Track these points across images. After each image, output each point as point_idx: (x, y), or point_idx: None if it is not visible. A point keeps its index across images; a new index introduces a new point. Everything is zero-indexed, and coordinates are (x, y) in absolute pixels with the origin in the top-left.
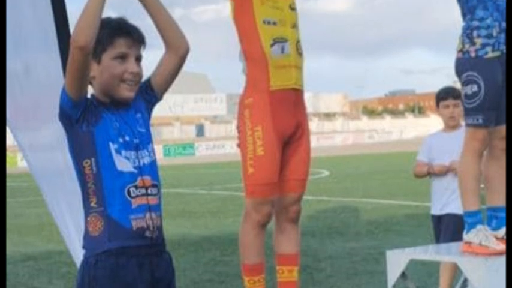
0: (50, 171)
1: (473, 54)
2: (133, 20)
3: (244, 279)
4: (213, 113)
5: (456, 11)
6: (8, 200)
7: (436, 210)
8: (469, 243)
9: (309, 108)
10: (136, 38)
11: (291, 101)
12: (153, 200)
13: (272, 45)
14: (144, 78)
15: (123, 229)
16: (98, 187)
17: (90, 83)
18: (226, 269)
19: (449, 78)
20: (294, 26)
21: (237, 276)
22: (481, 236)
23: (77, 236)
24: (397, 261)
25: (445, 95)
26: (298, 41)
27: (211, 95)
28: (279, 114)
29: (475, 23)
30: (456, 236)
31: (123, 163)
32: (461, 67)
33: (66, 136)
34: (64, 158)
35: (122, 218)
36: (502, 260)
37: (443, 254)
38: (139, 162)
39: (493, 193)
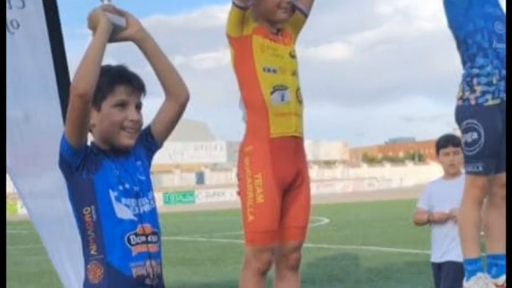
0: (50, 218)
1: (473, 102)
2: (134, 68)
3: None
4: (213, 161)
5: (456, 58)
6: (8, 247)
7: (436, 257)
8: None
9: (309, 155)
10: (136, 85)
11: (291, 149)
12: (153, 248)
13: (272, 92)
14: (144, 125)
15: (123, 277)
16: (98, 234)
17: (90, 131)
18: None
19: (450, 126)
20: (294, 73)
21: None
22: (481, 283)
23: (77, 283)
24: None
25: (445, 142)
26: (298, 89)
27: (212, 142)
28: (279, 161)
29: (475, 71)
30: (456, 284)
31: (123, 211)
32: (461, 115)
33: (66, 183)
34: (64, 206)
35: (122, 266)
36: None
37: None
38: (139, 209)
39: (493, 241)
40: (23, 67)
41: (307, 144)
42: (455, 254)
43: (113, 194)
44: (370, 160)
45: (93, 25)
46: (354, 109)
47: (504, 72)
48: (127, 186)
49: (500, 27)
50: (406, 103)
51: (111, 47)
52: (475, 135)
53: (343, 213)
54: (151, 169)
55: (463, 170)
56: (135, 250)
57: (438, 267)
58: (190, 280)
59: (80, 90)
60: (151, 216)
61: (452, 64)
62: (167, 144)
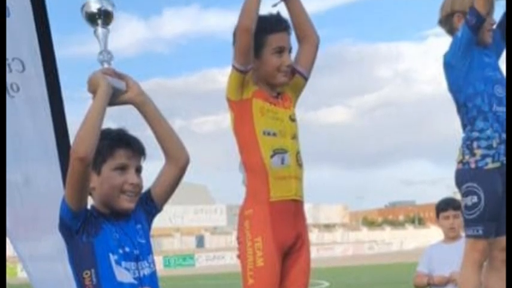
0: (50, 281)
1: (473, 165)
2: (133, 131)
3: None
4: (213, 224)
5: (456, 122)
6: None
7: None
8: None
9: (309, 219)
10: (136, 149)
11: (291, 212)
12: None
13: (272, 156)
14: (144, 189)
15: None
16: None
17: (90, 194)
18: None
19: (449, 189)
20: (294, 137)
21: None
22: None
23: None
24: None
25: (445, 206)
26: (298, 152)
27: (211, 206)
28: (279, 225)
29: (475, 134)
30: None
31: (123, 274)
32: (461, 178)
33: (66, 247)
34: (64, 269)
35: None
36: None
37: None
38: (139, 273)
39: None
40: (23, 130)
41: (307, 207)
42: None
43: (113, 258)
44: (370, 223)
45: (93, 88)
46: (354, 172)
47: (504, 135)
48: (127, 249)
49: (500, 91)
50: (406, 166)
51: (111, 110)
52: (475, 199)
53: (344, 276)
54: (151, 232)
55: (463, 234)
56: None
57: None
58: None
59: (80, 153)
60: (152, 279)
61: (452, 127)
62: (167, 207)
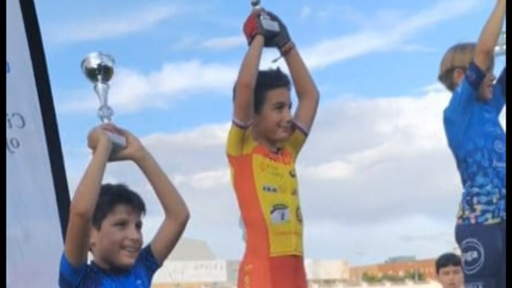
0: None
1: (473, 221)
2: (134, 187)
3: None
4: (213, 280)
5: (456, 177)
6: None
7: None
8: None
9: (309, 274)
10: (136, 204)
11: (291, 268)
12: None
13: (272, 211)
14: (144, 244)
15: None
16: None
17: (90, 250)
18: None
19: (449, 245)
20: (294, 192)
21: None
22: None
23: None
24: None
25: (445, 261)
26: (298, 208)
27: (212, 261)
28: (279, 280)
29: (475, 190)
30: None
31: None
32: (461, 234)
33: None
34: None
35: None
36: None
37: None
38: None
39: None
40: (23, 186)
41: (307, 263)
42: None
43: None
44: (370, 279)
45: (93, 144)
46: (354, 228)
47: (504, 191)
48: None
49: (500, 146)
50: (406, 222)
51: (111, 165)
52: (475, 254)
53: None
54: None
55: None
56: None
57: None
58: None
59: (80, 209)
60: None
61: (452, 183)
62: (167, 263)
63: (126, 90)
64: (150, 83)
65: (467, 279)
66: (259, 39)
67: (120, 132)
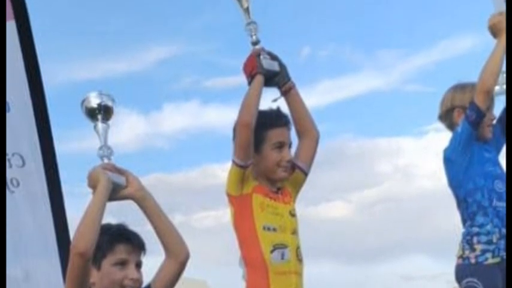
0: None
1: (473, 261)
2: (134, 226)
3: None
4: None
5: (456, 217)
6: None
7: None
8: None
9: None
10: (136, 244)
11: None
12: None
13: (272, 251)
14: (144, 284)
15: None
16: None
17: None
18: None
19: (450, 285)
20: (294, 232)
21: None
22: None
23: None
24: None
25: None
26: (298, 247)
27: None
28: None
29: (475, 229)
30: None
31: None
32: (461, 273)
33: None
34: None
35: None
36: None
37: None
38: None
39: None
40: (23, 226)
41: None
42: None
43: None
44: None
45: (93, 184)
46: (353, 268)
47: (504, 230)
48: None
49: (500, 186)
50: (405, 262)
51: (111, 205)
52: None
53: None
54: None
55: None
56: None
57: None
58: None
59: (80, 248)
60: None
61: (452, 223)
62: None
63: (126, 130)
64: (150, 123)
65: None
66: (259, 79)
67: (120, 171)
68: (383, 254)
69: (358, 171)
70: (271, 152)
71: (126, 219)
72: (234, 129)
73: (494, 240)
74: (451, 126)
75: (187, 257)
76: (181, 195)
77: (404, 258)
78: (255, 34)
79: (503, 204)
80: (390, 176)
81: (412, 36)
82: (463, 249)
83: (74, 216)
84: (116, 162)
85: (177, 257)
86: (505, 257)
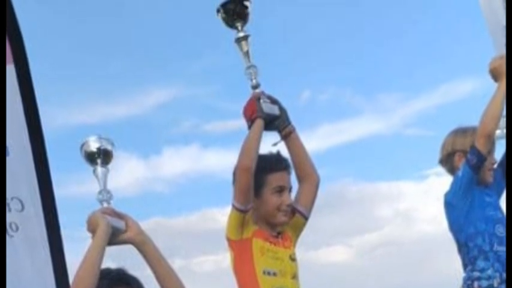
0: None
1: None
2: (133, 271)
3: None
4: None
5: (457, 261)
6: None
7: None
8: None
9: None
10: None
11: None
12: None
13: None
14: None
15: None
16: None
17: None
18: None
19: None
20: (294, 276)
21: None
22: None
23: None
24: None
25: None
26: None
27: None
28: None
29: (476, 274)
30: None
31: None
32: None
33: None
34: None
35: None
36: None
37: None
38: None
39: None
40: (21, 270)
41: None
42: None
43: None
44: None
45: (92, 228)
46: None
47: (505, 275)
48: None
49: (501, 230)
50: None
51: (110, 249)
52: None
53: None
54: None
55: None
56: None
57: None
58: None
59: None
60: None
61: (453, 267)
62: None
63: (126, 174)
64: (149, 167)
65: None
66: (259, 123)
67: (119, 216)
68: None
69: (358, 216)
70: (271, 197)
71: (125, 263)
72: (234, 173)
73: (495, 284)
74: (452, 170)
75: None
76: (181, 239)
77: None
78: (255, 78)
79: (504, 248)
80: (391, 220)
81: (412, 79)
82: None
83: (73, 261)
84: (116, 207)
85: None
86: None
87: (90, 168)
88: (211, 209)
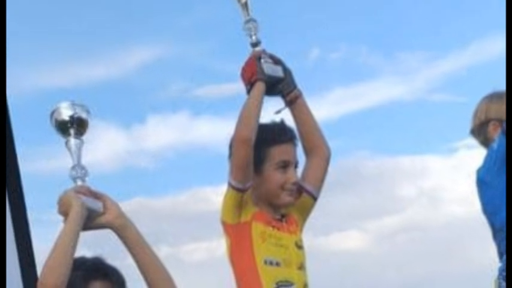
0: None
1: None
2: (112, 260)
3: None
4: None
5: (492, 249)
6: None
7: None
8: None
9: None
10: (115, 281)
11: None
12: None
13: None
14: None
15: None
16: None
17: None
18: None
19: None
20: (301, 267)
21: None
22: None
23: None
24: None
25: None
26: (305, 285)
27: None
28: None
29: None
30: None
31: None
32: None
33: None
34: None
35: None
36: None
37: None
38: None
39: None
40: None
41: None
42: None
43: None
44: None
45: (64, 210)
46: None
47: None
48: None
49: None
50: None
51: (85, 235)
52: None
53: None
54: None
55: None
56: None
57: None
58: None
59: (48, 286)
60: None
61: (487, 256)
62: None
63: (104, 147)
64: (131, 138)
65: None
66: (259, 87)
67: (96, 196)
68: None
69: (376, 195)
70: (274, 173)
71: (103, 251)
72: (230, 146)
73: None
74: (485, 142)
75: None
76: (168, 223)
77: None
78: (255, 34)
79: None
80: (414, 200)
81: (439, 36)
82: (499, 286)
83: (42, 248)
84: (92, 185)
85: None
86: None
87: (62, 139)
88: (203, 188)
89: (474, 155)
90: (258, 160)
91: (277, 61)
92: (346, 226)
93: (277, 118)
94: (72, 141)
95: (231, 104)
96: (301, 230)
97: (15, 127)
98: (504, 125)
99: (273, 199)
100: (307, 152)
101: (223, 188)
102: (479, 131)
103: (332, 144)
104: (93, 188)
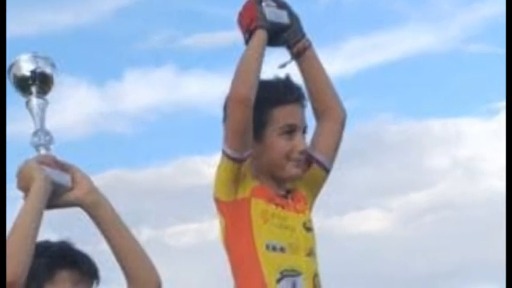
0: None
1: None
2: (82, 245)
3: None
4: None
5: None
6: None
7: None
8: None
9: None
10: (85, 270)
11: None
12: None
13: (279, 280)
14: None
15: None
16: None
17: None
18: None
19: None
20: (310, 253)
21: None
22: None
23: None
24: None
25: None
26: (316, 275)
27: None
28: None
29: None
30: None
31: None
32: None
33: None
34: None
35: None
36: None
37: None
38: None
39: None
40: None
41: None
42: None
43: None
44: None
45: (25, 184)
46: None
47: None
48: None
49: None
50: None
51: (50, 214)
52: None
53: None
54: None
55: None
56: None
57: None
58: None
59: (7, 276)
60: None
61: None
62: None
63: (73, 108)
64: (106, 98)
65: None
66: (260, 35)
67: (63, 167)
68: (435, 283)
69: (401, 167)
70: (277, 139)
71: (71, 234)
72: (225, 107)
73: None
74: None
75: (157, 287)
76: (150, 200)
77: None
78: None
79: None
80: (447, 173)
81: None
82: None
83: None
84: (58, 154)
85: (144, 287)
86: None
87: (22, 99)
88: (192, 158)
89: None
90: (259, 124)
91: (281, 5)
92: (364, 204)
93: (281, 73)
94: (35, 101)
95: (226, 57)
96: (310, 209)
97: None
98: None
99: (277, 171)
100: (318, 114)
101: (217, 157)
102: None
103: (348, 105)
104: (60, 157)
